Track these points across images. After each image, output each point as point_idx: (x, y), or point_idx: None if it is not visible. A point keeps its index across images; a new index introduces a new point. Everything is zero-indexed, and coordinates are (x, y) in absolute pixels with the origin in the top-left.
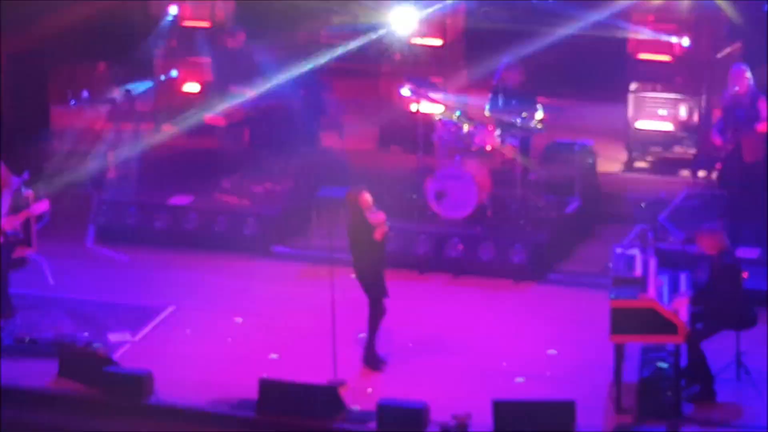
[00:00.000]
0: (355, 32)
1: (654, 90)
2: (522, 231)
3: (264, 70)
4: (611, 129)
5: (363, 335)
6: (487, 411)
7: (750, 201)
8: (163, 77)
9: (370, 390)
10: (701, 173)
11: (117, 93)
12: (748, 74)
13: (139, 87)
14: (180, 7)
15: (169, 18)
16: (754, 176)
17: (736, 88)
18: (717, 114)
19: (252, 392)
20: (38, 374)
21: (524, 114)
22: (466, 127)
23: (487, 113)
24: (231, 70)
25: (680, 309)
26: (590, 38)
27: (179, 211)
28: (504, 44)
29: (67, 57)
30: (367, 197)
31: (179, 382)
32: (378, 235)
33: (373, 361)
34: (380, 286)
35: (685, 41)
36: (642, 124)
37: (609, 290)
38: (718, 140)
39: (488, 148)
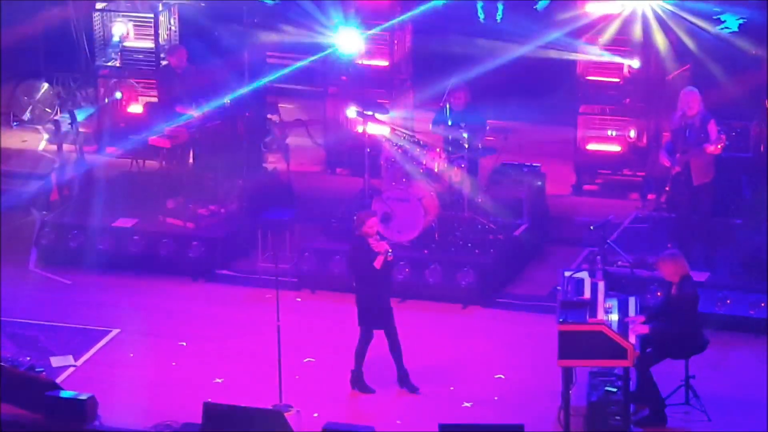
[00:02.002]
0: (301, 53)
1: (603, 112)
2: (470, 254)
3: (208, 90)
4: (560, 151)
5: (309, 360)
6: None
7: (698, 224)
8: (107, 100)
9: (316, 414)
10: (650, 196)
11: (60, 114)
12: (699, 97)
13: (83, 110)
14: (124, 27)
15: (115, 39)
16: (702, 199)
17: (687, 111)
18: (666, 136)
19: (196, 416)
20: None
21: (470, 135)
22: (413, 149)
23: (431, 129)
24: (175, 91)
25: (630, 333)
26: (539, 60)
27: (123, 234)
28: (452, 65)
29: (9, 77)
30: (374, 223)
31: (123, 406)
32: (377, 263)
33: (362, 386)
34: (375, 313)
35: (635, 63)
36: (591, 146)
37: (557, 314)
38: (666, 161)
39: (436, 170)
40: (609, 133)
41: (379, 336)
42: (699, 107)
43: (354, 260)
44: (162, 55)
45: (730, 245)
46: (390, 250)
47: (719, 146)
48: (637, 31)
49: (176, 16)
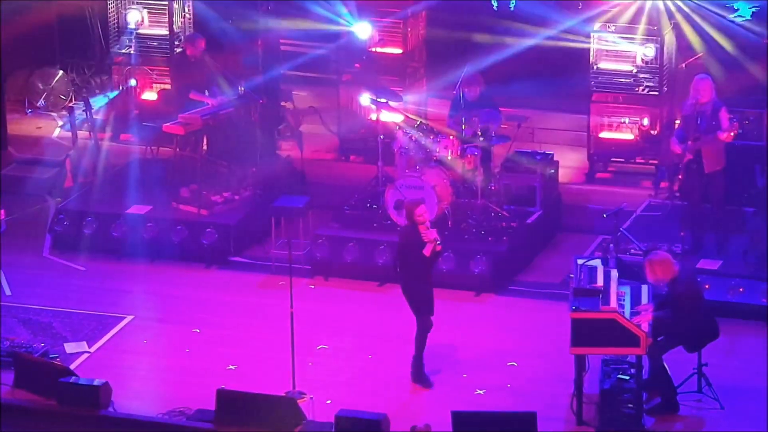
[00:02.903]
0: (315, 41)
1: (616, 100)
2: (483, 241)
3: (222, 78)
4: (573, 139)
5: (322, 347)
6: (447, 423)
7: (710, 212)
8: (121, 87)
9: (329, 401)
10: (663, 184)
11: (75, 101)
12: (711, 84)
13: (98, 98)
14: (138, 15)
15: (130, 26)
16: (714, 187)
17: (699, 98)
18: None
19: (210, 403)
20: None
21: (483, 123)
22: (426, 137)
23: (447, 124)
24: (190, 79)
25: (642, 321)
26: (553, 47)
27: (137, 221)
28: (465, 53)
29: (24, 64)
30: (423, 211)
31: (136, 392)
32: (426, 251)
33: (421, 378)
34: (422, 301)
35: (649, 51)
36: (604, 135)
37: (570, 301)
38: (677, 149)
39: (449, 157)
40: (622, 120)
41: (398, 325)
42: (711, 95)
43: (403, 248)
44: (177, 42)
45: (743, 234)
46: (439, 240)
47: (732, 133)
48: (651, 19)
49: (191, 3)
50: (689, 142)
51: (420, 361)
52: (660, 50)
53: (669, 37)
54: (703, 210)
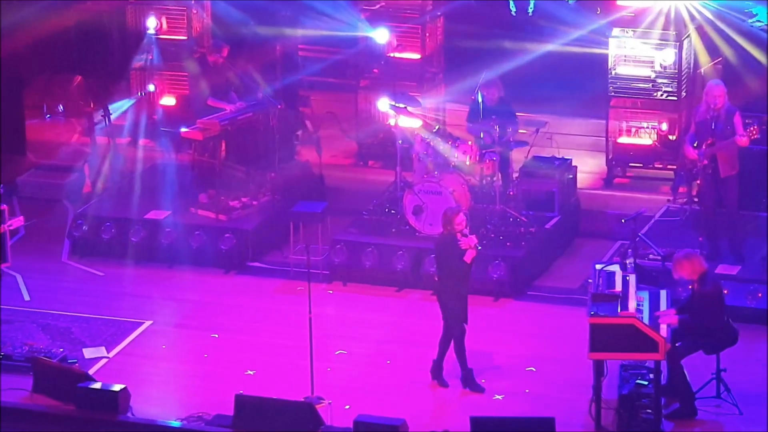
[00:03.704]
0: (334, 46)
1: (635, 105)
2: (501, 246)
3: (241, 83)
4: (591, 144)
5: (340, 352)
6: (466, 428)
7: (728, 216)
8: (140, 93)
9: (347, 406)
10: (682, 189)
11: (93, 107)
12: (724, 90)
13: (117, 103)
14: (156, 20)
15: (150, 31)
16: (729, 191)
17: (712, 104)
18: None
19: (228, 408)
20: (12, 390)
21: (501, 129)
22: (444, 142)
23: (466, 129)
24: (209, 84)
25: (669, 319)
26: (571, 52)
27: (155, 226)
28: (483, 58)
29: (43, 70)
30: (461, 220)
31: (155, 398)
32: (467, 257)
33: (440, 380)
34: (459, 308)
35: (668, 56)
36: (622, 140)
37: (588, 307)
38: (692, 154)
39: (467, 162)
40: (641, 125)
41: (416, 330)
42: (724, 100)
43: (441, 257)
44: (195, 48)
45: (759, 238)
46: (479, 246)
47: (752, 137)
48: (669, 24)
49: (209, 9)
50: (704, 147)
51: (440, 364)
52: (679, 55)
53: (688, 42)
54: (718, 214)
